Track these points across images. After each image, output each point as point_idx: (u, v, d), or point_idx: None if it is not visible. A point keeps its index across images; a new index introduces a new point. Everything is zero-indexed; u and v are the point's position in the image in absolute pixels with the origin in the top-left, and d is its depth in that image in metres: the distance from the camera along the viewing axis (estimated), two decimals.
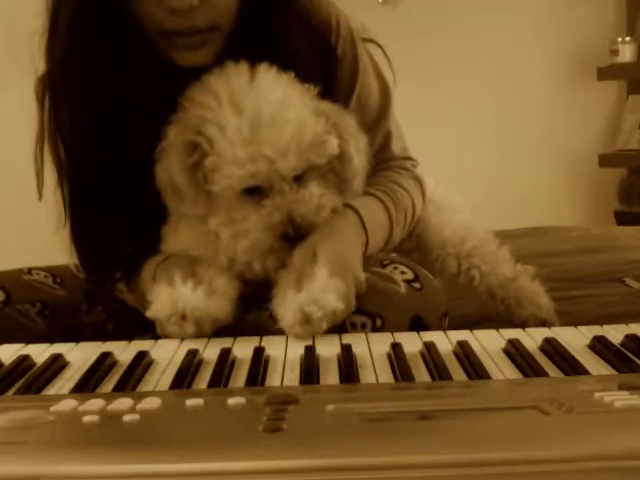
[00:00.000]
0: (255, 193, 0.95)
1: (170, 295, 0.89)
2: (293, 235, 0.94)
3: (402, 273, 0.98)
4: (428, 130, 3.04)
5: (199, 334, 0.87)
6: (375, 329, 0.90)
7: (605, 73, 3.27)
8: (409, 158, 1.22)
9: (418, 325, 0.92)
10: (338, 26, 1.11)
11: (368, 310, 0.92)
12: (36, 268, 1.15)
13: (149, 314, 0.89)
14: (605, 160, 3.30)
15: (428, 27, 3.17)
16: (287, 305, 0.87)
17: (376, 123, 1.17)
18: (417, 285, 0.97)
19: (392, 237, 1.10)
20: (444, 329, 0.93)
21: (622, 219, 3.18)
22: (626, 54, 3.22)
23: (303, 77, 1.00)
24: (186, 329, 0.87)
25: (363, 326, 0.90)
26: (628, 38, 3.23)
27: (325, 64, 1.09)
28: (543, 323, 1.08)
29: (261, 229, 0.94)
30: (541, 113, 3.34)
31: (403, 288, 0.95)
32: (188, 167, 0.94)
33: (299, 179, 0.96)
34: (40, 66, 1.03)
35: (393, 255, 1.07)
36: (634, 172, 3.29)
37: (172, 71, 1.01)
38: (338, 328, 0.88)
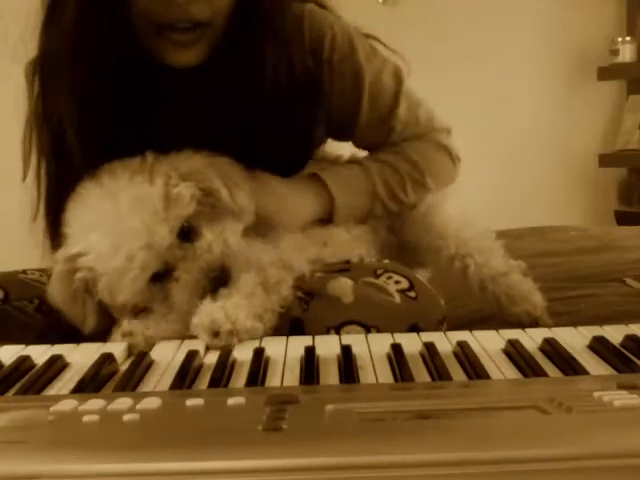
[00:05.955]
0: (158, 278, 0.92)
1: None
2: (220, 276, 0.91)
3: (396, 283, 0.99)
4: None
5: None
6: None
7: (605, 73, 3.28)
8: (436, 130, 1.28)
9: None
10: (334, 35, 1.12)
11: (363, 321, 0.92)
12: (30, 269, 1.16)
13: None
14: (605, 160, 3.31)
15: (428, 27, 3.17)
16: (201, 311, 0.86)
17: (388, 114, 1.19)
18: (412, 294, 0.97)
19: (384, 199, 1.17)
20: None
21: (622, 219, 3.18)
22: (626, 54, 3.23)
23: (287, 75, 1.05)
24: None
25: None
26: (628, 38, 3.24)
27: (317, 72, 1.10)
28: (536, 322, 1.08)
29: (187, 296, 0.91)
30: (541, 113, 3.34)
31: (398, 299, 0.96)
32: (70, 295, 0.94)
33: (187, 234, 0.93)
34: (31, 48, 1.04)
35: (386, 262, 1.08)
36: (634, 172, 3.30)
37: (159, 72, 1.05)
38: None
